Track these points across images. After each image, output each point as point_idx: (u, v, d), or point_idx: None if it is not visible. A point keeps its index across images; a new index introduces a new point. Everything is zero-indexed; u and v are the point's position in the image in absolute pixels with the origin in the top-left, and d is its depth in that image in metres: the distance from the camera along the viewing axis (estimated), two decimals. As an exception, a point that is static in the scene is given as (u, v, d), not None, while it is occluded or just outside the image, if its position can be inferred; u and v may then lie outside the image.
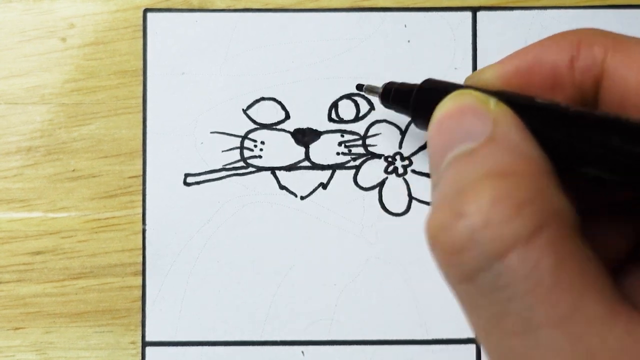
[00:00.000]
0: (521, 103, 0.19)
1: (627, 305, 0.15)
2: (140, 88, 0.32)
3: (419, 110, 0.24)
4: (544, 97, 0.19)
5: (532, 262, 0.15)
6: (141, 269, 0.32)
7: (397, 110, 0.28)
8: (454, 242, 0.16)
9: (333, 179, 0.32)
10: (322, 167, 0.32)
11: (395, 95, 0.27)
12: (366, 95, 0.31)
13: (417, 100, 0.24)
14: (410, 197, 0.32)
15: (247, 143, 0.32)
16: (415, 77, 0.32)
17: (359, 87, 0.31)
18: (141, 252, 0.32)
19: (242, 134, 0.32)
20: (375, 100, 0.32)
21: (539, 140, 0.18)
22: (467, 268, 0.16)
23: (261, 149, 0.32)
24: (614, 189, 0.18)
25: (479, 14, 0.32)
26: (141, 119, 0.32)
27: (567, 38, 0.19)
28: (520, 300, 0.15)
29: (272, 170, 0.32)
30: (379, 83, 0.29)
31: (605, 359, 0.15)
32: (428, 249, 0.17)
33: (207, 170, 0.32)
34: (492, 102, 0.18)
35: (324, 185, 0.32)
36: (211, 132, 0.32)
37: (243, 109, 0.32)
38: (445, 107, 0.19)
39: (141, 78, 0.32)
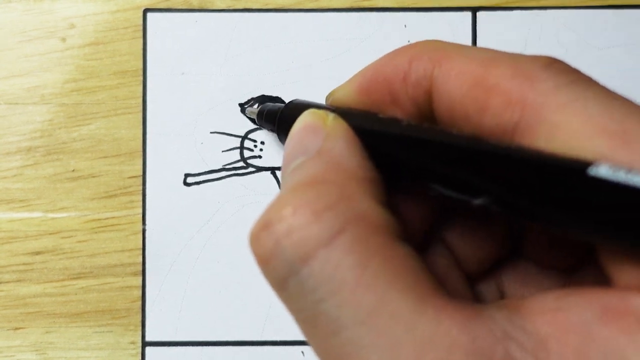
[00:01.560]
0: (360, 119, 0.20)
1: (441, 297, 0.16)
2: (140, 88, 0.32)
3: (282, 131, 0.26)
4: (386, 113, 0.20)
5: (334, 264, 0.16)
6: (141, 269, 0.32)
7: (269, 130, 0.30)
8: (263, 251, 0.17)
9: (333, 179, 0.32)
10: (322, 167, 0.32)
11: (266, 118, 0.29)
12: (248, 118, 0.32)
13: (280, 122, 0.26)
14: (410, 197, 0.32)
15: (247, 143, 0.32)
16: (415, 77, 0.32)
17: (242, 110, 0.32)
18: (141, 252, 0.32)
19: (242, 134, 0.32)
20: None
21: (373, 153, 0.19)
22: (277, 275, 0.17)
23: (261, 149, 0.32)
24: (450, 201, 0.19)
25: (479, 14, 0.32)
26: (141, 119, 0.32)
27: (401, 53, 0.20)
28: (327, 302, 0.16)
29: (272, 170, 0.32)
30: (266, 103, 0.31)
31: (412, 350, 0.15)
32: None
33: (207, 170, 0.32)
34: (330, 117, 0.19)
35: (324, 186, 0.32)
36: (211, 132, 0.32)
37: (241, 106, 0.32)
38: (295, 125, 0.20)
39: (141, 78, 0.32)
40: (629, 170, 0.14)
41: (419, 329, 0.15)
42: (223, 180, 0.32)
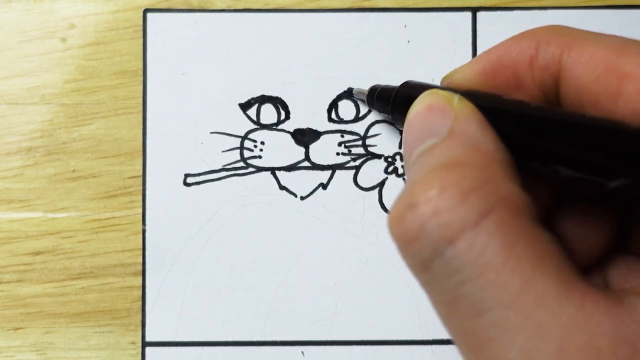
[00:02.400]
0: (486, 101, 0.20)
1: (582, 282, 0.16)
2: (140, 88, 0.32)
3: (397, 111, 0.25)
4: (510, 96, 0.20)
5: (480, 246, 0.16)
6: (141, 269, 0.32)
7: (380, 111, 0.30)
8: (407, 232, 0.17)
9: (333, 179, 0.32)
10: (322, 168, 0.32)
11: (378, 97, 0.29)
12: (356, 99, 0.32)
13: (395, 101, 0.25)
14: (410, 197, 0.32)
15: (247, 143, 0.32)
16: (415, 77, 0.32)
17: (349, 91, 0.32)
18: (141, 252, 0.32)
19: (242, 134, 0.32)
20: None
21: (502, 135, 0.19)
22: (421, 257, 0.17)
23: (261, 149, 0.32)
24: (574, 183, 0.19)
25: (479, 14, 0.32)
26: (141, 119, 0.32)
27: (527, 38, 0.20)
28: (472, 284, 0.16)
29: (272, 170, 0.32)
30: (376, 83, 0.31)
31: (557, 334, 0.15)
32: None
33: (207, 170, 0.32)
34: (456, 99, 0.19)
35: (324, 186, 0.32)
36: (211, 132, 0.32)
37: (242, 106, 0.32)
38: (415, 107, 0.20)
39: (141, 78, 0.32)
40: None
41: (565, 314, 0.15)
42: (223, 181, 0.32)
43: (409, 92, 0.23)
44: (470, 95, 0.20)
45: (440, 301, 0.17)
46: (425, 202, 0.17)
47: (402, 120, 0.23)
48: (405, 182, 0.19)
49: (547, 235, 0.17)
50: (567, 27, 0.20)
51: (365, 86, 0.32)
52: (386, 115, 0.30)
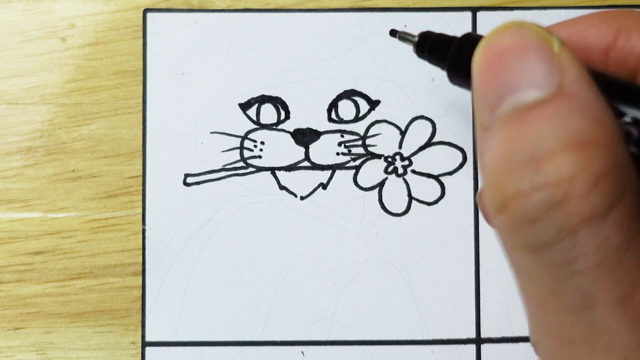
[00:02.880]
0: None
1: None
2: (140, 88, 0.32)
3: (458, 62, 0.21)
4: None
5: (602, 238, 0.15)
6: (141, 269, 0.32)
7: (432, 62, 0.25)
8: (528, 211, 0.15)
9: (333, 179, 0.32)
10: (322, 167, 0.32)
11: (433, 45, 0.24)
12: (400, 42, 0.28)
13: (457, 50, 0.21)
14: (410, 198, 0.32)
15: (247, 143, 0.32)
16: (415, 77, 0.32)
17: (393, 32, 0.28)
18: (141, 252, 0.32)
19: (242, 134, 0.32)
20: (379, 97, 0.32)
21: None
22: (535, 239, 0.16)
23: (261, 149, 0.32)
24: None
25: (479, 14, 0.32)
26: (141, 119, 0.32)
27: (607, 22, 0.18)
28: (583, 276, 0.15)
29: (272, 170, 0.32)
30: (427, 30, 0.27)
31: None
32: (486, 205, 0.16)
33: (207, 170, 0.32)
34: (556, 43, 0.16)
35: (323, 186, 0.32)
36: (211, 132, 0.32)
37: (242, 106, 0.32)
38: (499, 41, 0.16)
39: (141, 78, 0.32)
40: None
41: None
42: (223, 181, 0.32)
43: (476, 43, 0.19)
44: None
45: (538, 286, 0.16)
46: (556, 185, 0.15)
47: (461, 74, 0.19)
48: (483, 133, 0.16)
49: None
50: None
51: (366, 87, 0.32)
52: (441, 68, 0.25)
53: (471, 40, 0.21)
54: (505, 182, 0.16)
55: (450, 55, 0.21)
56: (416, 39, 0.25)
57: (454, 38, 0.22)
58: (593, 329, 0.15)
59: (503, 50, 0.16)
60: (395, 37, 0.27)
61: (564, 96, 0.16)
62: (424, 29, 0.32)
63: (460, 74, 0.21)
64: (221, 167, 0.32)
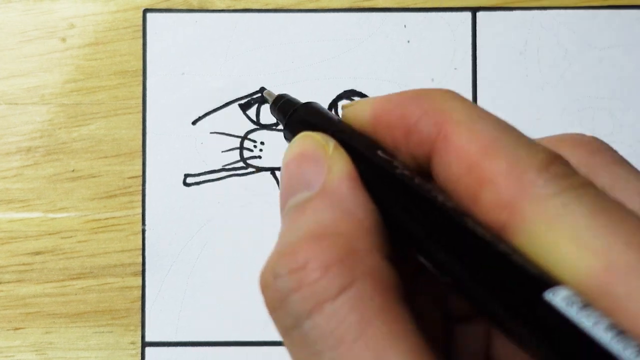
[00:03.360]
0: (365, 151, 0.19)
1: None
2: (140, 88, 0.32)
3: (289, 131, 0.24)
4: (389, 150, 0.20)
5: (337, 319, 0.16)
6: (141, 269, 0.32)
7: (279, 120, 0.28)
8: (271, 300, 0.17)
9: (333, 179, 0.32)
10: (322, 168, 0.32)
11: (280, 109, 0.27)
12: (264, 96, 0.31)
13: (288, 124, 0.25)
14: (410, 198, 0.32)
15: (247, 143, 0.32)
16: (415, 77, 0.32)
17: (261, 90, 0.32)
18: (141, 252, 0.32)
19: (242, 134, 0.32)
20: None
21: (372, 193, 0.18)
22: (282, 324, 0.17)
23: (261, 150, 0.32)
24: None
25: (479, 14, 0.32)
26: (141, 119, 0.32)
27: (416, 101, 0.19)
28: (325, 355, 0.16)
29: (272, 170, 0.32)
30: (285, 93, 0.29)
31: None
32: None
33: (206, 170, 0.32)
34: (331, 146, 0.19)
35: (323, 186, 0.32)
36: (211, 133, 0.32)
37: (242, 107, 0.32)
38: (290, 150, 0.20)
39: (141, 78, 0.32)
40: (584, 306, 0.14)
41: None
42: (223, 181, 0.32)
43: (306, 117, 0.22)
44: (353, 139, 0.20)
45: None
46: (288, 274, 0.17)
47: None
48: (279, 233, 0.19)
49: (408, 313, 0.17)
50: (456, 100, 0.19)
51: (366, 87, 0.32)
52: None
53: (300, 117, 0.24)
54: (261, 275, 0.18)
55: (285, 128, 0.25)
56: (272, 98, 0.29)
57: (294, 105, 0.25)
58: None
59: (291, 159, 0.19)
60: (262, 93, 0.31)
61: (323, 194, 0.18)
62: (424, 29, 0.32)
63: (288, 137, 0.24)
64: (221, 167, 0.32)
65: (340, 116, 0.22)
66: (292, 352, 0.18)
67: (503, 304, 0.15)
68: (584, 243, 0.15)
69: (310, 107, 0.25)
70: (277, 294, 0.17)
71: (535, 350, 0.15)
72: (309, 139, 0.20)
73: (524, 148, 0.17)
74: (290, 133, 0.23)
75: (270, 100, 0.29)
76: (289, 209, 0.19)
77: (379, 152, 0.19)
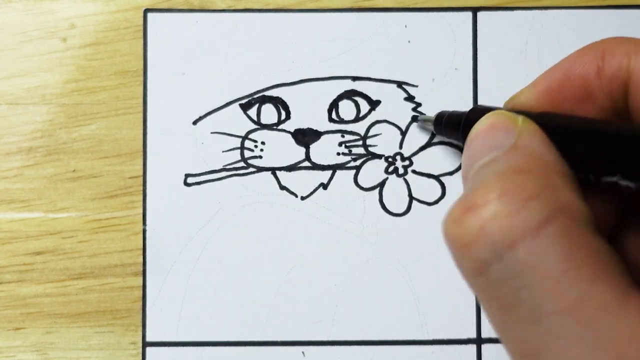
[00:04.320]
0: (550, 121, 0.20)
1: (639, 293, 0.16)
2: (141, 88, 0.32)
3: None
4: (575, 112, 0.20)
5: (541, 253, 0.16)
6: (142, 269, 0.32)
7: (449, 137, 0.30)
8: (464, 235, 0.17)
9: (333, 179, 0.32)
10: (323, 168, 0.32)
11: (447, 123, 0.29)
12: (421, 127, 0.32)
13: (466, 127, 0.25)
14: (411, 198, 0.32)
15: (248, 143, 0.32)
16: (415, 77, 0.32)
17: (414, 118, 0.32)
18: (142, 252, 0.32)
19: (243, 134, 0.32)
20: (379, 97, 0.32)
21: (566, 152, 0.19)
22: (478, 260, 0.17)
23: (261, 149, 0.32)
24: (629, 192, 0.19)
25: (480, 14, 0.32)
26: (141, 119, 0.32)
27: (592, 50, 0.20)
28: (529, 290, 0.16)
29: (273, 170, 0.32)
30: (442, 110, 0.31)
31: (615, 345, 0.15)
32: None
33: (207, 170, 0.32)
34: (520, 119, 0.19)
35: (324, 186, 0.32)
36: (211, 133, 0.32)
37: (242, 107, 0.32)
38: (478, 125, 0.20)
39: (142, 78, 0.32)
40: None
41: (623, 324, 0.15)
42: (223, 181, 0.32)
43: (479, 116, 0.23)
44: (534, 116, 0.20)
45: (496, 306, 0.17)
46: (486, 204, 0.16)
47: None
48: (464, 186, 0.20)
49: (607, 246, 0.17)
50: (629, 37, 0.20)
51: (367, 87, 0.32)
52: (456, 141, 0.31)
53: (475, 115, 0.25)
54: (448, 214, 0.17)
55: (461, 133, 0.26)
56: (433, 119, 0.31)
57: (462, 114, 0.27)
58: (546, 340, 0.16)
59: (479, 131, 0.20)
60: (416, 122, 0.32)
61: (515, 148, 0.18)
62: (425, 29, 0.32)
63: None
64: (222, 167, 0.32)
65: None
66: (486, 292, 0.17)
67: None
68: None
69: (480, 108, 0.25)
70: (472, 227, 0.16)
71: None
72: (498, 114, 0.20)
73: None
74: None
75: (432, 122, 0.31)
76: (477, 167, 0.19)
77: (566, 115, 0.20)
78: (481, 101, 0.32)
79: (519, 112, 0.21)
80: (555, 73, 0.21)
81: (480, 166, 0.19)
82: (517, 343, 0.16)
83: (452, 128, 0.29)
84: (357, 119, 0.32)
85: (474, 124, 0.23)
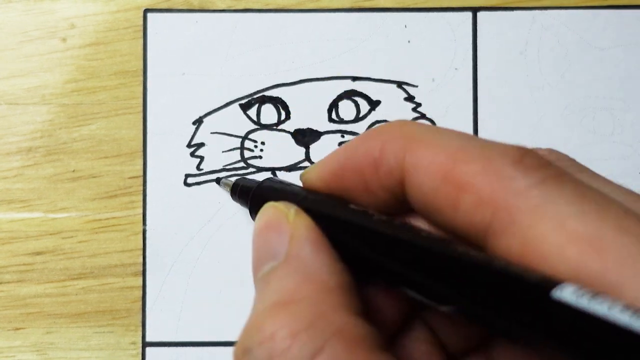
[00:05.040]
0: (329, 209, 0.19)
1: None
2: (141, 88, 0.32)
3: (255, 212, 0.24)
4: (358, 201, 0.20)
5: None
6: (141, 269, 0.32)
7: (243, 206, 0.29)
8: None
9: (333, 179, 0.32)
10: (323, 168, 0.32)
11: (240, 194, 0.29)
12: (222, 188, 0.32)
13: (252, 206, 0.25)
14: (411, 198, 0.32)
15: (248, 143, 0.32)
16: (415, 78, 0.32)
17: (217, 181, 0.32)
18: (141, 252, 0.32)
19: (242, 134, 0.32)
20: (379, 98, 0.32)
21: (343, 246, 0.18)
22: None
23: (261, 150, 0.32)
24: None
25: (479, 14, 0.32)
26: (141, 120, 0.32)
27: (374, 137, 0.19)
28: None
29: (273, 170, 0.32)
30: (242, 177, 0.31)
31: None
32: None
33: (207, 170, 0.32)
34: (292, 213, 0.19)
35: (324, 186, 0.32)
36: (211, 133, 0.32)
37: (242, 107, 0.32)
38: (257, 220, 0.20)
39: (141, 78, 0.32)
40: (594, 295, 0.14)
41: None
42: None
43: (265, 195, 0.23)
44: (312, 201, 0.20)
45: None
46: (258, 345, 0.17)
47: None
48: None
49: (389, 357, 0.16)
50: (413, 125, 0.19)
51: (367, 88, 0.32)
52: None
53: (260, 196, 0.24)
54: (235, 350, 0.18)
55: (249, 208, 0.26)
56: (230, 185, 0.30)
57: (251, 187, 0.26)
58: None
59: (257, 232, 0.20)
60: (219, 184, 0.32)
61: (287, 262, 0.18)
62: (425, 29, 0.32)
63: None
64: (221, 167, 0.32)
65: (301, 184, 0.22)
66: None
67: (514, 316, 0.15)
68: (572, 231, 0.15)
69: (267, 184, 0.25)
70: None
71: (560, 352, 0.14)
72: (270, 209, 0.20)
73: (493, 148, 0.17)
74: (255, 214, 0.22)
75: (229, 189, 0.30)
76: (257, 282, 0.19)
77: (351, 206, 0.19)
78: (481, 101, 0.32)
79: (306, 195, 0.20)
80: (340, 156, 0.20)
81: (260, 278, 0.19)
82: None
83: (244, 202, 0.28)
84: (357, 119, 0.32)
85: (260, 202, 0.22)
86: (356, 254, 0.18)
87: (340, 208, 0.20)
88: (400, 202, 0.19)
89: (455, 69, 0.32)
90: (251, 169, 0.32)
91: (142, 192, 0.32)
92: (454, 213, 0.17)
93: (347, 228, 0.19)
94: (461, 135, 0.18)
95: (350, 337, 0.16)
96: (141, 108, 0.32)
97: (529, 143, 0.19)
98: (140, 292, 0.32)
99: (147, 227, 0.32)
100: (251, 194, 0.26)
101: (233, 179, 0.30)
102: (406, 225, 0.18)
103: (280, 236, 0.19)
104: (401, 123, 0.19)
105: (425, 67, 0.32)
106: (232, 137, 0.32)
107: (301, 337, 0.16)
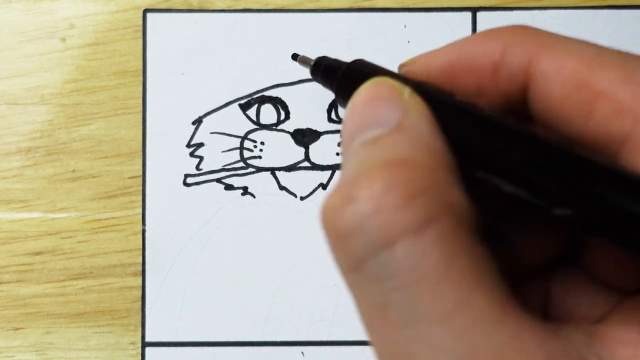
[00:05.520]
0: (439, 98, 0.18)
1: (518, 307, 0.15)
2: (140, 88, 0.32)
3: (341, 89, 0.23)
4: (464, 96, 0.19)
5: (420, 254, 0.15)
6: (141, 269, 0.32)
7: (324, 86, 0.27)
8: (342, 227, 0.16)
9: (333, 179, 0.32)
10: (322, 168, 0.32)
11: (324, 70, 0.26)
12: (300, 65, 0.29)
13: (341, 79, 0.23)
14: (410, 198, 0.32)
15: (247, 143, 0.32)
16: (415, 78, 0.32)
17: (294, 56, 0.30)
18: (141, 252, 0.32)
19: (242, 134, 0.32)
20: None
21: (448, 137, 0.17)
22: (354, 255, 0.16)
23: (261, 150, 0.32)
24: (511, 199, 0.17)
25: (479, 15, 0.32)
26: (141, 120, 0.32)
27: (493, 39, 0.18)
28: (404, 292, 0.15)
29: (272, 170, 0.32)
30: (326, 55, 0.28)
31: (487, 358, 0.14)
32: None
33: (207, 170, 0.32)
34: (407, 92, 0.18)
35: (323, 186, 0.32)
36: (211, 133, 0.32)
37: (241, 107, 0.32)
38: (361, 92, 0.18)
39: (141, 78, 0.32)
40: None
41: (498, 339, 0.14)
42: (223, 181, 0.32)
43: (358, 74, 0.21)
44: (424, 88, 0.18)
45: (366, 305, 0.16)
46: (367, 198, 0.15)
47: (344, 101, 0.21)
48: (341, 170, 0.18)
49: (487, 252, 0.16)
50: (538, 30, 0.18)
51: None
52: (329, 89, 0.27)
53: (354, 70, 0.23)
54: (327, 203, 0.16)
55: (335, 85, 0.23)
56: (312, 62, 0.27)
57: (342, 65, 0.24)
58: (417, 345, 0.15)
59: (361, 100, 0.18)
60: (296, 60, 0.29)
61: (400, 130, 0.17)
62: (424, 29, 0.32)
63: (343, 102, 0.22)
64: (221, 167, 0.32)
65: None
66: (359, 290, 0.16)
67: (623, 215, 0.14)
68: None
69: (360, 64, 0.23)
70: (350, 220, 0.15)
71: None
72: (383, 83, 0.18)
73: (632, 57, 0.16)
74: (344, 96, 0.21)
75: (309, 66, 0.27)
76: (358, 144, 0.17)
77: (458, 97, 0.18)
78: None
79: (410, 80, 0.19)
80: (453, 53, 0.19)
81: (362, 143, 0.17)
82: (385, 346, 0.16)
83: (327, 80, 0.26)
84: (357, 119, 0.32)
85: (350, 82, 0.21)
86: (470, 147, 0.17)
87: (450, 98, 0.18)
88: (513, 110, 0.18)
89: (455, 69, 0.32)
90: (251, 169, 0.32)
91: (141, 192, 0.32)
92: (586, 122, 0.16)
93: (464, 118, 0.17)
94: (591, 43, 0.17)
95: (460, 216, 0.16)
96: (140, 108, 0.32)
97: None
98: (140, 292, 0.32)
99: (147, 227, 0.32)
100: (341, 72, 0.23)
101: (313, 56, 0.27)
102: (522, 124, 0.17)
103: (391, 107, 0.17)
104: (523, 27, 0.18)
105: (424, 67, 0.32)
106: (232, 137, 0.32)
107: (418, 201, 0.15)
